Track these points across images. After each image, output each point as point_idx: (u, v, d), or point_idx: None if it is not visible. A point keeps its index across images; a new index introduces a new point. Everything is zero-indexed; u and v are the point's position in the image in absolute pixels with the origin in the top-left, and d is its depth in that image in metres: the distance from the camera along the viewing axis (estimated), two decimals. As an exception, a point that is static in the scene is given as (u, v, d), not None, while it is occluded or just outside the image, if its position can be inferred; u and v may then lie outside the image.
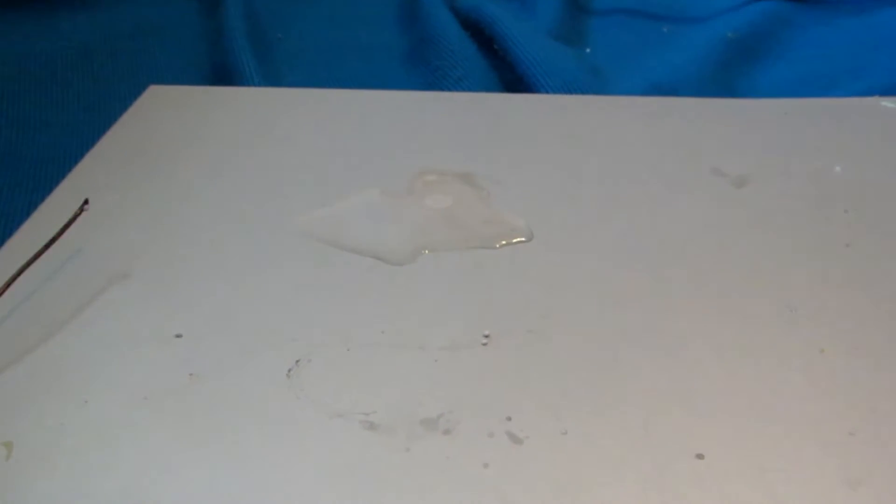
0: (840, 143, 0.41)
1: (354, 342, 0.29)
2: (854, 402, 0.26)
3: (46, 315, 0.31)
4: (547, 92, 0.50)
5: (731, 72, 0.55)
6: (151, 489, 0.24)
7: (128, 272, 0.33)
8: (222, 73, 0.55)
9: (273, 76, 0.55)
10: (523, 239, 0.34)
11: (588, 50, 0.60)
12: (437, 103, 0.46)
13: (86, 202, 0.33)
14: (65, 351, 0.29)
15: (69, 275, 0.33)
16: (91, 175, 0.39)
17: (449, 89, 0.52)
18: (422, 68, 0.56)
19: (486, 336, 0.29)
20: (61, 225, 0.32)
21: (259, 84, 0.52)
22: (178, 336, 0.29)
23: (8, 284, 0.29)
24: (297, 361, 0.28)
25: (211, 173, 0.39)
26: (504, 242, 0.34)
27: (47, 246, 0.31)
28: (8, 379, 0.28)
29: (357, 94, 0.47)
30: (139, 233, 0.35)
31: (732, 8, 0.62)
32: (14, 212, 0.43)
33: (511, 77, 0.54)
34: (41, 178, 0.46)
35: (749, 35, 0.58)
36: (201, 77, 0.56)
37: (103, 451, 0.25)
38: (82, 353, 0.29)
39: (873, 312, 0.30)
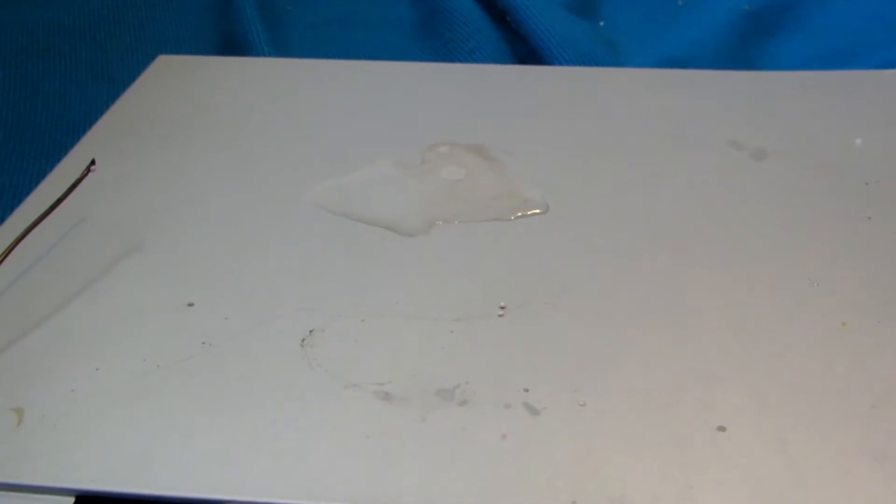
0: (860, 116, 0.40)
1: (369, 313, 0.29)
2: (876, 375, 0.26)
3: (59, 283, 0.30)
4: (560, 65, 0.50)
5: (748, 45, 0.54)
6: (164, 457, 0.24)
7: (140, 241, 0.32)
8: (231, 44, 0.54)
9: (282, 49, 0.54)
10: (538, 211, 0.34)
11: (601, 23, 0.59)
12: (449, 75, 0.45)
13: (92, 163, 0.33)
14: (77, 319, 0.29)
15: (82, 243, 0.32)
16: (101, 144, 0.39)
17: (461, 62, 0.51)
18: (433, 41, 0.55)
19: (503, 308, 0.29)
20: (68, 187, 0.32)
21: (269, 55, 0.51)
22: (191, 305, 0.29)
23: (13, 246, 0.29)
24: (311, 331, 0.28)
25: (222, 143, 0.39)
26: (519, 214, 0.33)
27: (54, 206, 0.31)
28: (20, 346, 0.28)
29: (369, 66, 0.46)
30: (151, 202, 0.35)
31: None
32: (22, 181, 0.43)
33: (524, 50, 0.53)
34: (50, 147, 0.46)
35: (766, 7, 0.56)
36: (210, 47, 0.56)
37: (115, 418, 0.25)
38: (94, 321, 0.29)
39: (895, 285, 0.29)
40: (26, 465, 0.24)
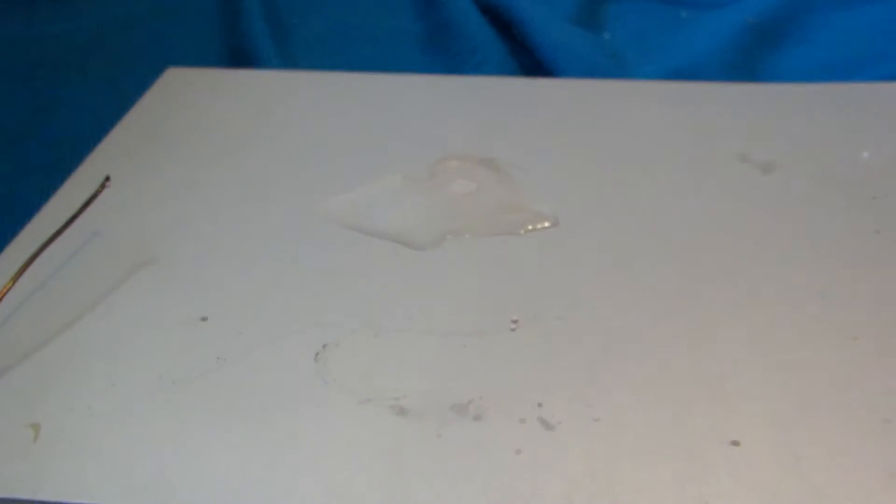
0: (867, 129, 0.40)
1: (382, 327, 0.29)
2: (889, 390, 0.26)
3: (72, 298, 0.30)
4: (567, 77, 0.50)
5: (752, 57, 0.54)
6: (180, 472, 0.24)
7: (153, 255, 0.32)
8: (239, 57, 0.54)
9: (289, 61, 0.54)
10: (548, 225, 0.34)
11: (607, 35, 0.59)
12: (457, 87, 0.46)
13: (107, 179, 0.33)
14: (92, 334, 0.29)
15: (95, 257, 0.32)
16: (112, 157, 0.39)
17: (468, 74, 0.51)
18: (440, 53, 0.55)
19: (515, 322, 0.29)
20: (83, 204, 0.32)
21: (277, 68, 0.51)
22: (204, 319, 0.29)
23: (29, 262, 0.29)
24: (325, 346, 0.28)
25: (232, 156, 0.39)
26: (530, 228, 0.34)
27: (69, 223, 0.31)
28: (35, 361, 0.28)
29: (377, 78, 0.46)
30: (163, 216, 0.35)
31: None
32: (32, 194, 0.43)
33: (530, 62, 0.53)
34: (58, 159, 0.46)
35: (770, 19, 0.57)
36: (218, 60, 0.56)
37: (131, 433, 0.25)
38: (109, 337, 0.29)
39: (906, 300, 0.30)
40: (43, 481, 0.24)
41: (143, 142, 0.41)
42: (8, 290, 0.28)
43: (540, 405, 0.26)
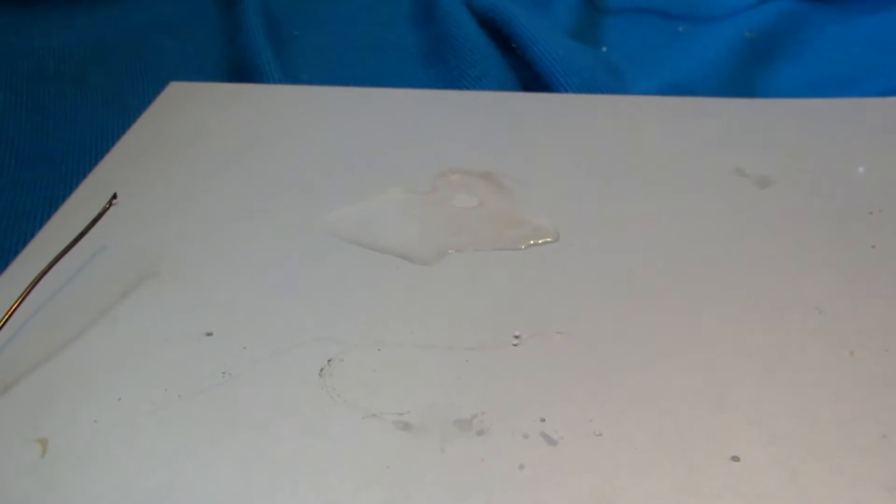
0: (863, 144, 0.41)
1: (385, 342, 0.29)
2: (886, 404, 0.26)
3: (77, 313, 0.31)
4: (566, 91, 0.50)
5: (748, 71, 0.55)
6: (185, 487, 0.24)
7: (156, 270, 0.33)
8: (241, 70, 0.55)
9: (289, 74, 0.54)
10: (549, 239, 0.34)
11: (604, 49, 0.60)
12: (457, 102, 0.46)
13: (114, 197, 0.33)
14: (97, 349, 0.29)
15: (99, 272, 0.33)
16: (116, 172, 0.40)
17: (467, 88, 0.52)
18: (439, 67, 0.56)
19: (517, 337, 0.29)
20: (89, 220, 0.32)
21: (278, 81, 0.52)
22: (209, 334, 0.30)
23: (38, 280, 0.29)
24: (329, 361, 0.28)
25: (236, 170, 0.39)
26: (531, 243, 0.34)
27: (77, 240, 0.31)
28: (41, 376, 0.28)
29: (378, 93, 0.47)
30: (166, 230, 0.35)
31: (749, 7, 0.62)
32: (35, 207, 0.43)
33: (529, 76, 0.54)
34: (60, 173, 0.46)
35: (766, 34, 0.57)
36: (219, 73, 0.56)
37: (137, 448, 0.25)
38: (114, 351, 0.29)
39: (902, 315, 0.30)
40: (51, 496, 0.24)
41: (147, 156, 0.41)
42: (15, 310, 0.28)
43: (542, 420, 0.26)
